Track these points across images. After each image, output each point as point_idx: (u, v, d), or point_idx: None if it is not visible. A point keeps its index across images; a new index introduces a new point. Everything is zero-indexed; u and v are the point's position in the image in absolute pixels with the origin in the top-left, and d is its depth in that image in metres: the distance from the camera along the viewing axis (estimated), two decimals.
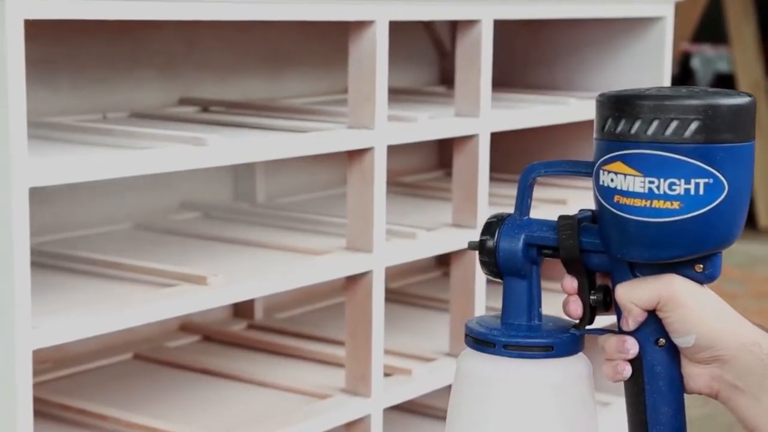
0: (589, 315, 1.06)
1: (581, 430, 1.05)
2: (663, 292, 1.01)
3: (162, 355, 2.03)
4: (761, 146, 5.75)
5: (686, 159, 0.97)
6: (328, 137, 1.75)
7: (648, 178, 0.98)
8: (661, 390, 1.04)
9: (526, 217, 1.07)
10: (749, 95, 1.00)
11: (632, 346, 1.03)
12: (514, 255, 1.06)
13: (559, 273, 1.06)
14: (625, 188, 0.99)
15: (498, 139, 2.08)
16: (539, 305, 1.07)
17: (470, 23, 1.94)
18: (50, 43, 1.87)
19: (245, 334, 2.16)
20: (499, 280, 1.08)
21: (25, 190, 1.32)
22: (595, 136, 1.02)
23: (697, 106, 0.97)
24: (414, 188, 2.42)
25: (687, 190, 0.97)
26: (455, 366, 1.08)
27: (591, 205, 1.06)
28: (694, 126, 0.97)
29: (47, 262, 1.74)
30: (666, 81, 2.40)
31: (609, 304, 1.06)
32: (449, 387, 1.93)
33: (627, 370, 1.04)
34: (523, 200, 1.07)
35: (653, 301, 1.01)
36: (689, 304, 1.00)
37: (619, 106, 0.99)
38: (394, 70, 1.96)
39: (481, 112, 1.97)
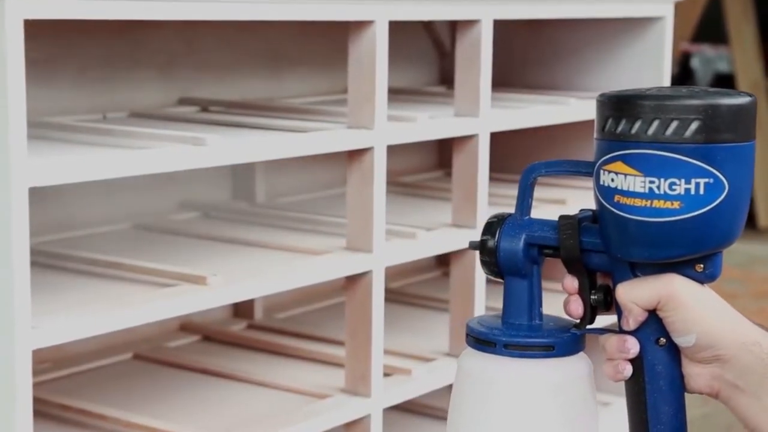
0: (589, 314, 1.06)
1: (582, 430, 1.06)
2: (663, 291, 1.01)
3: (162, 355, 2.03)
4: (761, 146, 5.75)
5: (686, 159, 0.97)
6: (327, 137, 1.75)
7: (648, 178, 0.98)
8: (661, 389, 1.04)
9: (526, 217, 1.07)
10: (750, 95, 1.00)
11: (633, 346, 1.03)
12: (514, 255, 1.06)
13: (560, 273, 1.06)
14: (625, 188, 0.99)
15: (498, 139, 2.08)
16: (540, 305, 1.07)
17: (470, 23, 1.94)
18: (50, 43, 1.87)
19: (245, 334, 2.16)
20: (500, 280, 1.08)
21: (25, 189, 1.32)
22: (595, 136, 1.02)
23: (697, 106, 0.97)
24: (414, 188, 2.42)
25: (687, 190, 0.97)
26: (456, 366, 1.08)
27: (590, 205, 1.06)
28: (694, 126, 0.97)
29: (47, 262, 1.74)
30: (666, 81, 2.40)
31: (610, 303, 1.06)
32: (449, 387, 1.94)
33: (628, 370, 1.04)
34: (524, 200, 1.07)
35: (654, 301, 1.01)
36: (690, 304, 1.01)
37: (619, 106, 0.99)
38: (393, 70, 1.96)
39: (481, 112, 1.97)
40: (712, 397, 1.04)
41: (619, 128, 0.99)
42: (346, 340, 1.83)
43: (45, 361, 1.91)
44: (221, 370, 1.97)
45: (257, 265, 1.75)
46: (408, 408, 2.21)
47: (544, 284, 1.09)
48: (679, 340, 1.02)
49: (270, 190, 2.26)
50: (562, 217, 1.05)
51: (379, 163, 1.78)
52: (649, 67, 2.39)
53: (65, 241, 1.87)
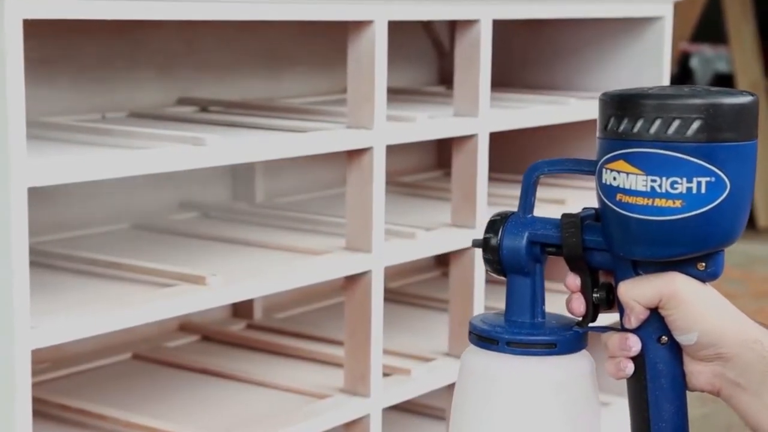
0: (591, 312, 1.06)
1: (584, 427, 1.06)
2: (665, 289, 1.01)
3: (161, 355, 2.03)
4: (760, 146, 5.74)
5: (688, 158, 0.97)
6: (327, 137, 1.74)
7: (650, 177, 0.98)
8: (663, 387, 1.04)
9: (529, 215, 1.07)
10: (752, 94, 1.00)
11: (635, 344, 1.03)
12: (517, 252, 1.06)
13: (562, 273, 1.06)
14: (627, 186, 0.99)
15: (497, 139, 2.08)
16: (542, 303, 1.07)
17: (469, 23, 1.94)
18: (49, 42, 1.87)
19: (244, 334, 2.16)
20: (503, 278, 1.08)
21: (24, 189, 1.31)
22: (597, 134, 1.02)
23: (699, 105, 0.97)
24: (413, 188, 2.42)
25: (689, 189, 0.97)
26: (456, 365, 1.08)
27: (590, 205, 1.06)
28: (696, 125, 0.97)
29: (46, 261, 1.73)
30: (665, 81, 2.40)
31: (612, 301, 1.06)
32: (448, 387, 1.95)
33: (629, 368, 1.04)
34: (527, 198, 1.07)
35: (655, 299, 1.01)
36: (691, 302, 1.01)
37: (621, 105, 0.99)
38: (393, 70, 1.96)
39: (480, 112, 1.97)
40: (713, 395, 1.04)
41: (622, 127, 0.99)
42: (345, 340, 1.83)
43: (44, 361, 1.91)
44: (221, 370, 1.97)
45: (257, 265, 1.75)
46: (407, 408, 2.21)
47: (546, 284, 1.09)
48: (681, 339, 1.02)
49: (269, 190, 2.26)
50: (564, 216, 1.05)
51: (379, 163, 1.78)
52: (648, 66, 2.39)
53: (65, 241, 1.87)
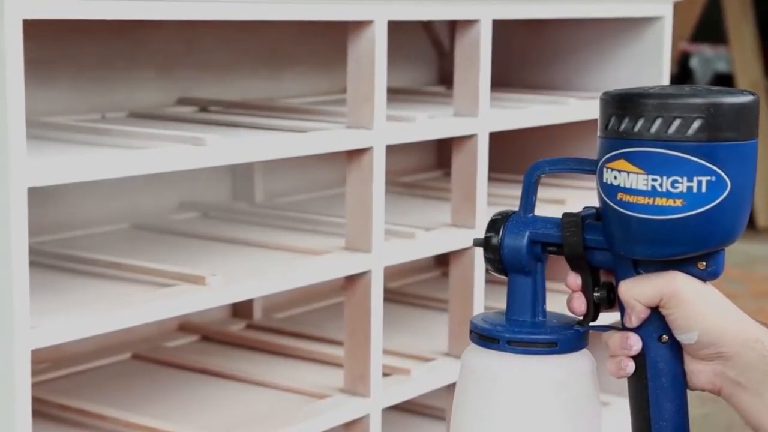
0: (592, 312, 1.06)
1: (585, 426, 1.06)
2: (666, 289, 1.01)
3: (161, 355, 2.03)
4: (760, 146, 5.74)
5: (689, 157, 0.97)
6: (326, 137, 1.74)
7: (651, 176, 0.98)
8: (664, 386, 1.04)
9: (530, 215, 1.08)
10: (752, 94, 1.00)
11: (635, 343, 1.03)
12: (518, 252, 1.06)
13: (563, 272, 1.06)
14: (628, 186, 0.99)
15: (497, 139, 2.08)
16: (543, 302, 1.07)
17: (469, 23, 1.94)
18: (49, 43, 1.87)
19: (244, 334, 2.16)
20: (504, 277, 1.08)
21: (24, 189, 1.31)
22: (598, 134, 1.02)
23: (700, 105, 0.97)
24: (413, 188, 2.42)
25: (690, 188, 0.97)
26: (456, 365, 1.09)
27: (590, 204, 1.06)
28: (697, 124, 0.97)
29: (46, 261, 1.73)
30: (665, 81, 2.40)
31: (612, 300, 1.06)
32: (448, 387, 1.95)
33: (630, 367, 1.04)
34: (528, 197, 1.08)
35: (656, 298, 1.02)
36: (692, 301, 1.01)
37: (622, 104, 0.99)
38: (392, 70, 1.95)
39: (480, 112, 1.97)
40: (714, 394, 1.04)
41: (622, 126, 0.99)
42: (345, 340, 1.83)
43: (44, 360, 1.91)
44: (220, 370, 1.96)
45: (256, 265, 1.75)
46: (407, 408, 2.21)
47: (547, 283, 1.09)
48: (682, 338, 1.02)
49: (269, 190, 2.26)
50: (565, 215, 1.05)
51: (378, 162, 1.78)
52: (648, 66, 2.39)
53: (65, 241, 1.87)
